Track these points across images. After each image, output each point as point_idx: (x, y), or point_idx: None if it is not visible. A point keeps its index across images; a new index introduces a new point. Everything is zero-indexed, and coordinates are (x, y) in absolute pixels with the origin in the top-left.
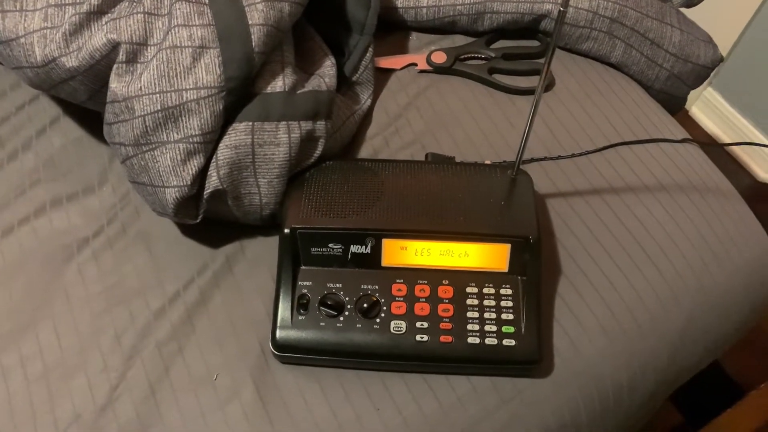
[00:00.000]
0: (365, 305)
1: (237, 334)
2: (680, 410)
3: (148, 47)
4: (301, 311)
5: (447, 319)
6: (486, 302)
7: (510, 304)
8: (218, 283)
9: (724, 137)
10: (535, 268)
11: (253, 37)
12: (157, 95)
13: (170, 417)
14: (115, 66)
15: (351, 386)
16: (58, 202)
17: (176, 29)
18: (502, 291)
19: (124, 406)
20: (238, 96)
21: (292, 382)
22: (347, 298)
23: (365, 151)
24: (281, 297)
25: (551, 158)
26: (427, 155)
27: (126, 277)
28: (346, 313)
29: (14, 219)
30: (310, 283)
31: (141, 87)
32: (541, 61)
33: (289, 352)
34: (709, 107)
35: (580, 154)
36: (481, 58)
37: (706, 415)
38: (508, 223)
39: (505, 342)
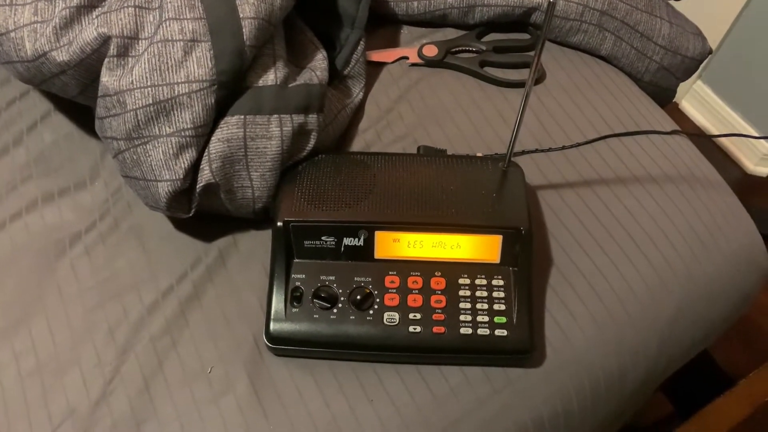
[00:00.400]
0: (358, 297)
1: (231, 328)
2: (670, 399)
3: (140, 41)
4: (295, 304)
5: (439, 310)
6: (478, 293)
7: (502, 294)
8: (211, 277)
9: (714, 130)
10: (527, 259)
11: (244, 30)
12: (149, 89)
13: (164, 411)
14: (106, 60)
15: (344, 378)
16: (49, 197)
17: (167, 23)
18: (494, 282)
19: (118, 400)
20: (230, 90)
21: (286, 374)
22: (340, 291)
23: (357, 145)
24: (275, 290)
25: (542, 150)
26: (419, 148)
27: (119, 272)
28: (340, 305)
29: (6, 215)
30: (304, 275)
31: (132, 81)
32: (532, 53)
33: (283, 345)
34: (698, 100)
35: (571, 147)
36: (472, 51)
37: (696, 404)
38: (499, 214)
39: (497, 332)
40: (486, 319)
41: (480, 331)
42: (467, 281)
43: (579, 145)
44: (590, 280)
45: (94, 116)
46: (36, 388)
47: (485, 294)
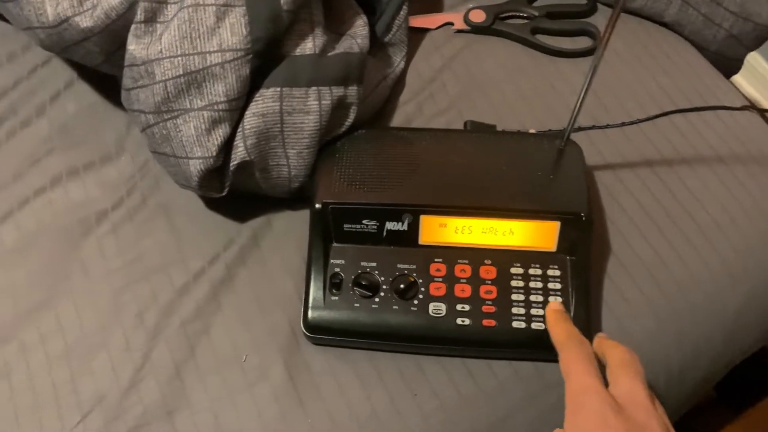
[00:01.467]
0: (402, 286)
1: (265, 313)
2: (719, 391)
3: (168, 5)
4: (334, 291)
5: (490, 302)
6: (532, 284)
7: (558, 286)
8: (245, 260)
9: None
10: (586, 247)
11: None
12: (179, 58)
13: (197, 399)
14: (132, 26)
15: (385, 370)
16: (74, 172)
17: None
18: (550, 272)
19: (148, 387)
20: (266, 59)
21: (324, 364)
22: (382, 278)
23: (398, 119)
24: (313, 276)
25: (599, 127)
26: (465, 123)
27: (147, 252)
28: (382, 293)
29: (30, 190)
30: (343, 261)
31: (161, 49)
32: (588, 20)
33: (322, 334)
34: (752, 73)
35: (630, 123)
36: (522, 17)
37: (750, 398)
38: (557, 198)
39: None
40: (540, 312)
41: (534, 326)
42: (520, 271)
43: (639, 121)
44: (650, 269)
45: (119, 86)
46: (64, 373)
47: (540, 285)
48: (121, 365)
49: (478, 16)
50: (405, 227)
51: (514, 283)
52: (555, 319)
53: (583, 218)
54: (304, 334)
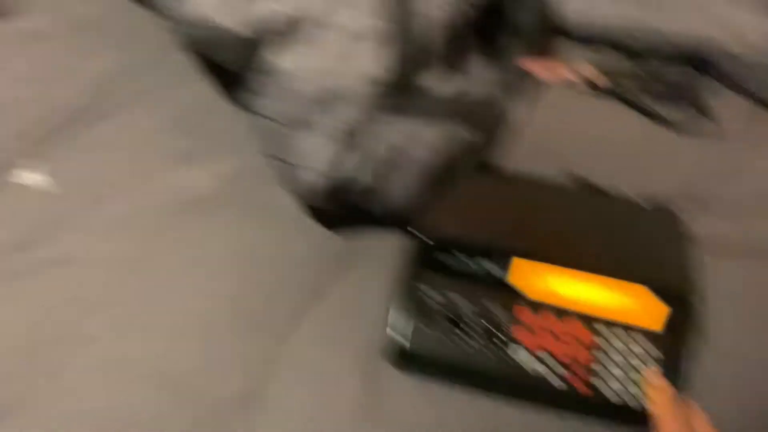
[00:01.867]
0: (492, 329)
1: (350, 330)
2: None
3: (313, 23)
4: (422, 321)
5: (586, 368)
6: (633, 361)
7: (660, 368)
8: (338, 275)
9: None
10: (692, 333)
11: (423, 32)
12: (315, 76)
13: (276, 402)
14: (274, 37)
15: (464, 408)
16: (186, 158)
17: (345, 11)
18: (652, 353)
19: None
20: (398, 91)
21: (404, 392)
22: (472, 316)
23: (505, 163)
24: (402, 302)
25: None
26: (577, 179)
27: (243, 249)
28: (469, 331)
29: (142, 170)
30: (435, 293)
31: (299, 64)
32: (696, 94)
33: (404, 360)
34: None
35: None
36: (634, 79)
37: None
38: (670, 280)
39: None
40: (637, 391)
41: (632, 404)
42: (621, 345)
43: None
44: (742, 359)
45: (240, 83)
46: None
47: (641, 364)
48: (210, 352)
49: (591, 73)
50: (504, 272)
51: (615, 357)
52: (656, 393)
53: (694, 306)
54: (388, 359)
